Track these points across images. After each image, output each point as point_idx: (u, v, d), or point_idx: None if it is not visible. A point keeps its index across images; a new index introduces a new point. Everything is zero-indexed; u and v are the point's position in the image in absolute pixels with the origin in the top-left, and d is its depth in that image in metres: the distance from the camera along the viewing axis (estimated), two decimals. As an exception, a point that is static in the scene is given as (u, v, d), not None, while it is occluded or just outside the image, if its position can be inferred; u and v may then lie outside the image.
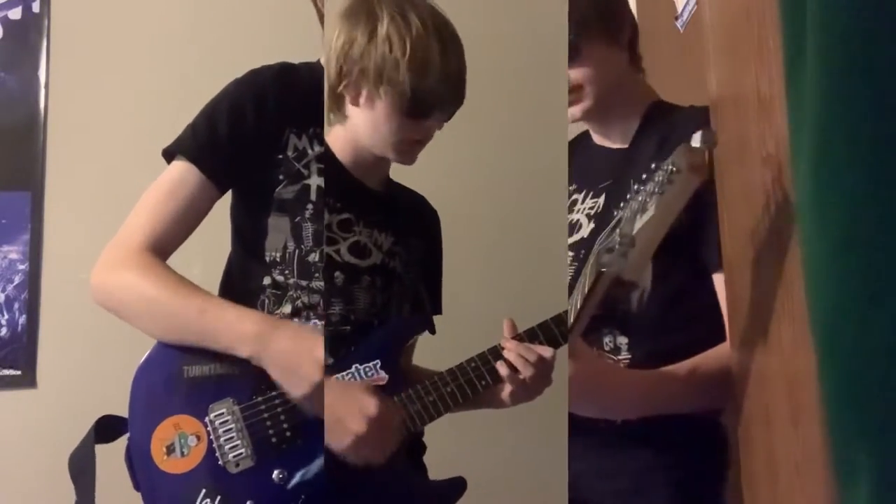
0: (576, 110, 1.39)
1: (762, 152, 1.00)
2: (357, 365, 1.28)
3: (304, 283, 1.30)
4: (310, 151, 1.33)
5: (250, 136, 1.30)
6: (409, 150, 1.35)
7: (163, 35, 2.32)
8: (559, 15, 1.35)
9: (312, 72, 1.38)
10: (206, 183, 1.29)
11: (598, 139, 1.47)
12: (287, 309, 1.29)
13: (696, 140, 0.95)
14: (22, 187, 2.28)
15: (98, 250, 1.30)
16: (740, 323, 1.13)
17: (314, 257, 1.31)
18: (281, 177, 1.32)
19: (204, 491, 1.18)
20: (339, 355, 1.29)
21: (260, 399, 1.23)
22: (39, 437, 2.13)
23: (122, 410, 1.24)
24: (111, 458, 1.24)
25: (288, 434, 1.22)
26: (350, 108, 1.34)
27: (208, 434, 1.21)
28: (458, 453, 1.40)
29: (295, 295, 1.30)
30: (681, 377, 1.23)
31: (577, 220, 1.40)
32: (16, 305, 2.24)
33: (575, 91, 1.37)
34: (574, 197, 1.44)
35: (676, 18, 1.77)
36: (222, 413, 1.22)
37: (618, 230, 1.00)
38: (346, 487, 1.22)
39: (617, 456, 1.29)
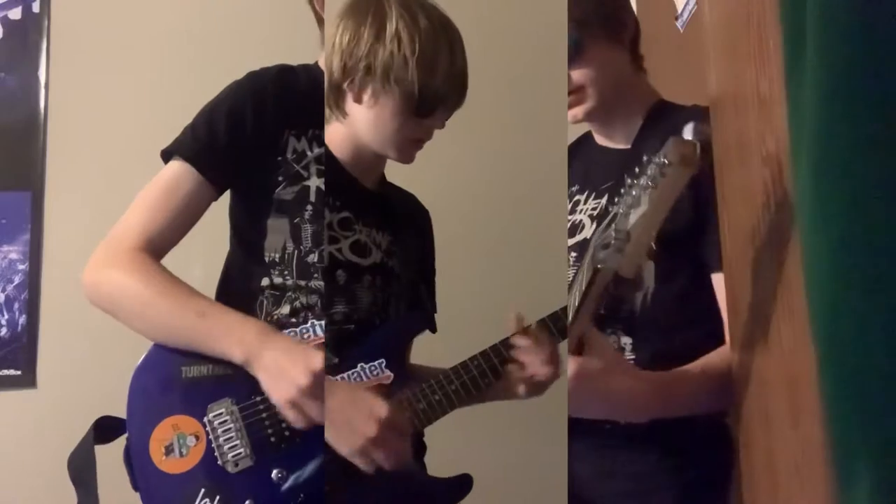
0: (578, 111, 1.38)
1: (762, 152, 1.00)
2: (362, 364, 1.28)
3: (303, 283, 1.30)
4: (309, 153, 1.33)
5: (249, 139, 1.30)
6: (409, 148, 1.35)
7: (162, 35, 2.32)
8: (559, 15, 1.35)
9: (311, 74, 1.38)
10: (204, 184, 1.29)
11: (600, 140, 1.46)
12: (286, 310, 1.29)
13: (687, 132, 0.94)
14: (22, 187, 2.27)
15: (98, 250, 1.29)
16: (740, 323, 1.13)
17: (313, 258, 1.30)
18: (280, 178, 1.31)
19: (203, 491, 1.18)
20: (344, 355, 1.29)
21: (258, 399, 1.22)
22: (39, 437, 2.13)
23: (123, 410, 1.23)
24: (110, 458, 1.24)
25: (287, 434, 1.22)
26: (351, 106, 1.33)
27: (207, 434, 1.21)
28: (459, 453, 1.39)
29: (294, 296, 1.30)
30: (694, 377, 1.20)
31: (580, 220, 1.39)
32: (16, 305, 2.24)
33: (577, 92, 1.36)
34: (577, 198, 1.43)
35: (676, 18, 1.77)
36: (221, 413, 1.22)
37: (613, 226, 1.00)
38: (352, 487, 1.21)
39: (619, 457, 1.27)
